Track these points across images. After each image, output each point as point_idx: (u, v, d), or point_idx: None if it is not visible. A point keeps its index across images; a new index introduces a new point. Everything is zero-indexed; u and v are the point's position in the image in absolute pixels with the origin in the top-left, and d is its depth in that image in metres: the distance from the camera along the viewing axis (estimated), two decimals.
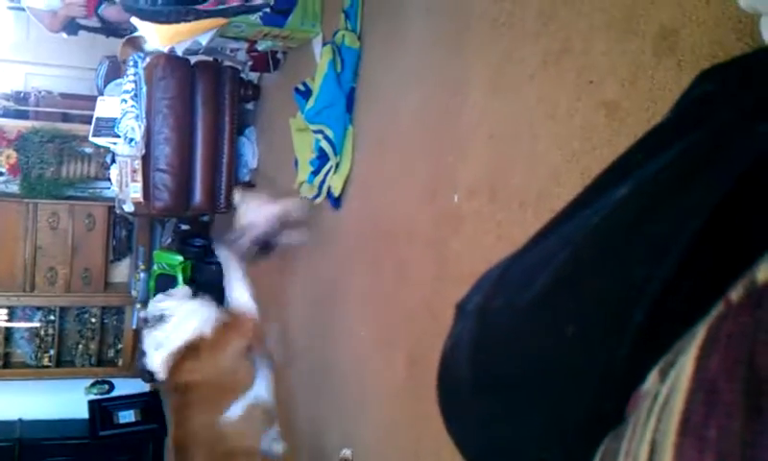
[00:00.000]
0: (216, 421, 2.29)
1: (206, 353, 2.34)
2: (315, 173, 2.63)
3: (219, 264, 3.57)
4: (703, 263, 0.58)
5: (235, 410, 2.31)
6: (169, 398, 2.52)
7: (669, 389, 0.47)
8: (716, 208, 0.59)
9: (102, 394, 5.74)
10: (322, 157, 2.60)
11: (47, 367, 5.53)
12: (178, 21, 2.28)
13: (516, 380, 0.68)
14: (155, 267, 4.14)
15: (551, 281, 0.67)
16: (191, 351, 2.34)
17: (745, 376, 0.40)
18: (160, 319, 2.44)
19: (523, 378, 0.67)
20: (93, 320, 5.66)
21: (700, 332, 0.48)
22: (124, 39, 3.65)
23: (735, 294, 0.46)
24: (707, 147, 0.65)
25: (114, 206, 4.16)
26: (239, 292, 2.46)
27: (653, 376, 0.52)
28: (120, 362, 5.71)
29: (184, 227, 4.25)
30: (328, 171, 2.56)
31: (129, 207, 3.69)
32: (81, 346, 5.67)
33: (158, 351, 2.38)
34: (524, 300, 0.70)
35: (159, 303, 2.53)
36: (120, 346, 5.72)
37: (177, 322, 2.41)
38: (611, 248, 0.65)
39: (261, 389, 2.38)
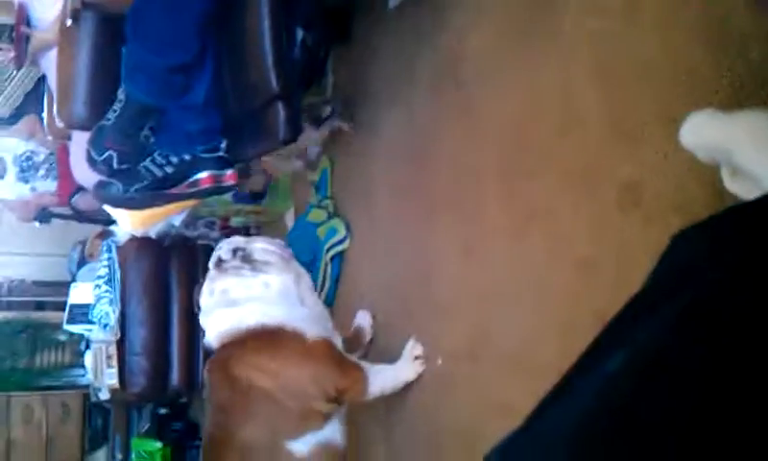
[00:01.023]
0: (276, 445, 1.75)
1: (290, 365, 1.79)
2: None
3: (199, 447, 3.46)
4: (707, 443, 0.56)
5: (300, 447, 1.77)
6: (214, 383, 1.84)
7: None
8: (711, 384, 0.58)
9: None
10: None
11: None
12: (151, 207, 2.30)
13: None
14: (133, 456, 3.99)
15: None
16: (271, 345, 1.79)
17: None
18: (248, 260, 1.87)
19: None
20: None
21: None
22: (94, 235, 3.68)
23: None
24: (691, 319, 0.65)
25: (90, 394, 4.05)
26: (384, 374, 1.89)
27: None
28: None
29: (162, 410, 4.13)
30: None
31: (104, 395, 3.58)
32: None
33: (224, 312, 1.85)
34: None
35: (256, 243, 1.93)
36: None
37: (268, 283, 1.86)
38: (610, 432, 0.63)
39: (334, 432, 1.84)
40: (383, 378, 1.89)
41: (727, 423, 0.56)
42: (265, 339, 1.80)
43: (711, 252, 0.72)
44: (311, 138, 2.52)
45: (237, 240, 1.95)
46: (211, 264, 1.95)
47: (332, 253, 2.40)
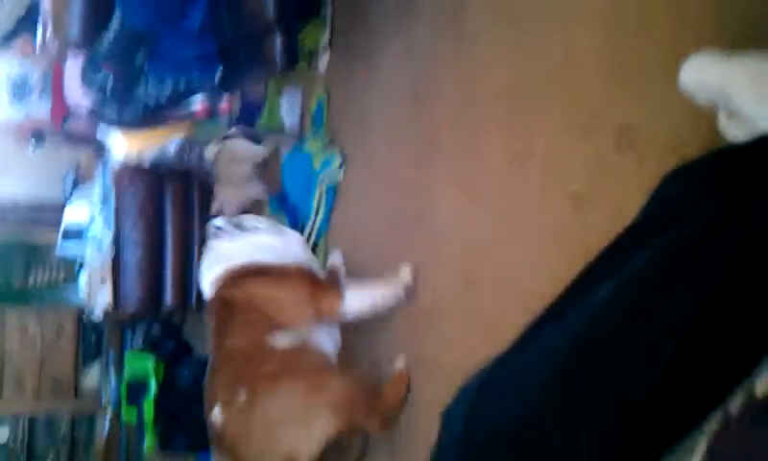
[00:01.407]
0: (259, 340, 1.91)
1: (270, 282, 2.00)
2: None
3: (193, 367, 3.53)
4: (692, 369, 0.59)
5: (282, 339, 1.92)
6: (214, 313, 2.05)
7: None
8: (698, 313, 0.60)
9: None
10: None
11: None
12: (145, 131, 2.30)
13: None
14: (126, 371, 4.05)
15: (537, 395, 0.67)
16: (255, 272, 2.02)
17: None
18: (238, 226, 2.15)
19: None
20: (63, 429, 5.48)
21: (699, 447, 0.48)
22: (88, 156, 3.67)
23: (734, 408, 0.46)
24: (680, 252, 0.67)
25: (83, 312, 4.09)
26: (361, 293, 2.03)
27: None
28: None
29: (156, 329, 4.18)
30: None
31: (98, 313, 3.62)
32: (50, 457, 5.48)
33: (217, 265, 2.07)
34: (512, 412, 0.69)
35: (246, 216, 2.24)
36: (92, 456, 5.54)
37: (256, 241, 2.10)
38: (594, 359, 0.65)
39: (321, 340, 2.00)
40: (361, 296, 2.00)
41: (710, 352, 0.59)
42: (255, 270, 2.02)
43: (702, 189, 0.74)
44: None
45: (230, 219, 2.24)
46: (208, 236, 2.19)
47: (327, 183, 2.41)
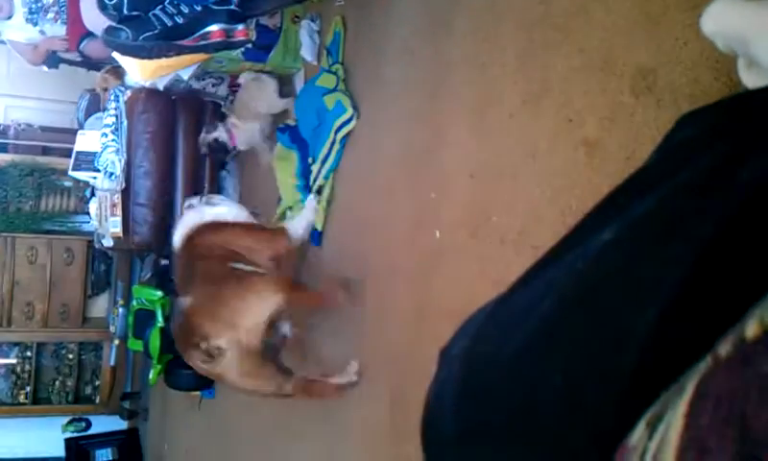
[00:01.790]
0: (221, 267, 2.27)
1: (228, 231, 2.38)
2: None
3: None
4: (689, 312, 0.58)
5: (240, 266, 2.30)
6: (178, 266, 2.47)
7: (658, 446, 0.46)
8: (699, 258, 0.59)
9: (79, 432, 5.63)
10: (305, 177, 2.62)
11: (23, 404, 5.43)
12: (159, 57, 2.28)
13: (502, 432, 0.66)
14: (134, 302, 4.09)
15: (537, 329, 0.66)
16: (216, 226, 2.40)
17: (737, 436, 0.39)
18: (207, 203, 2.54)
19: (509, 430, 0.66)
20: (71, 356, 5.58)
21: (689, 387, 0.47)
22: (104, 70, 3.64)
23: (724, 350, 0.45)
24: (687, 195, 0.65)
25: (93, 241, 4.12)
26: (297, 221, 2.54)
27: (640, 429, 0.51)
28: (97, 399, 5.62)
29: (164, 262, 4.21)
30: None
31: (108, 242, 3.65)
32: (58, 382, 5.58)
33: (183, 229, 2.43)
34: (510, 348, 0.68)
35: (215, 196, 2.71)
36: (98, 383, 5.64)
37: (220, 211, 2.48)
38: (595, 295, 0.64)
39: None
40: (297, 223, 2.51)
41: (715, 290, 0.58)
42: (214, 225, 2.40)
43: (716, 134, 0.72)
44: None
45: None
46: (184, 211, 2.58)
47: (342, 133, 2.38)
